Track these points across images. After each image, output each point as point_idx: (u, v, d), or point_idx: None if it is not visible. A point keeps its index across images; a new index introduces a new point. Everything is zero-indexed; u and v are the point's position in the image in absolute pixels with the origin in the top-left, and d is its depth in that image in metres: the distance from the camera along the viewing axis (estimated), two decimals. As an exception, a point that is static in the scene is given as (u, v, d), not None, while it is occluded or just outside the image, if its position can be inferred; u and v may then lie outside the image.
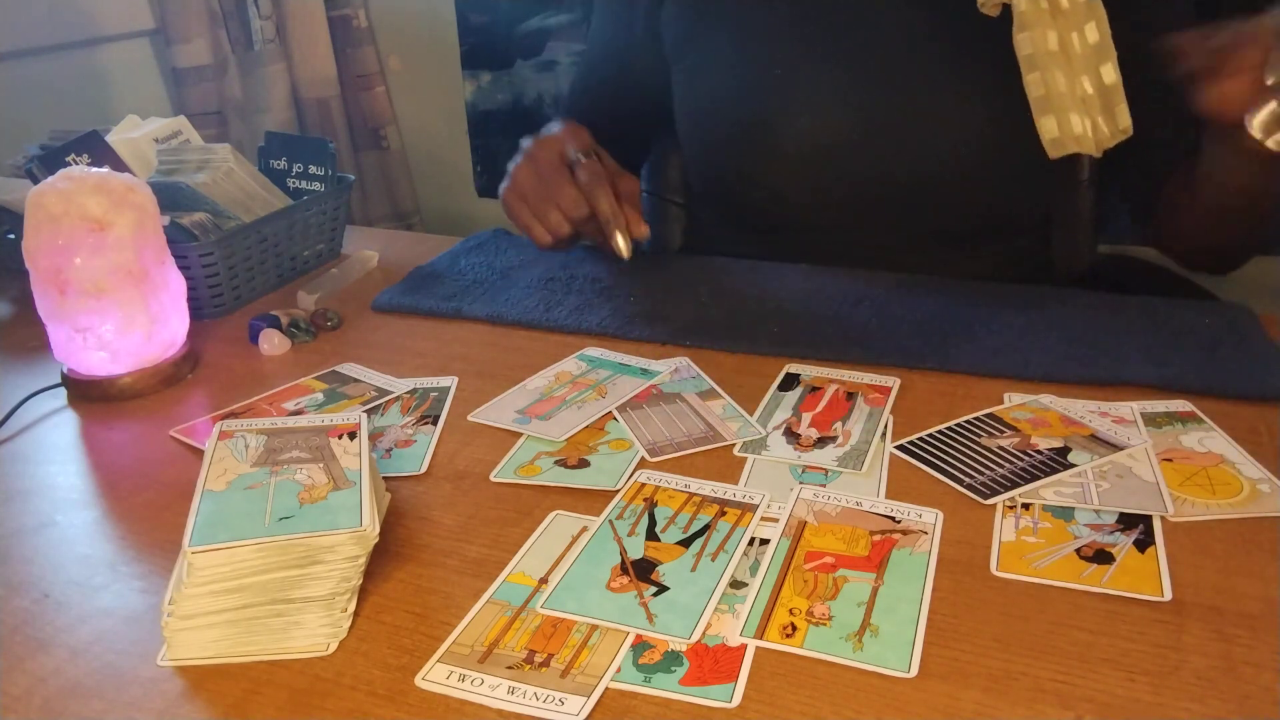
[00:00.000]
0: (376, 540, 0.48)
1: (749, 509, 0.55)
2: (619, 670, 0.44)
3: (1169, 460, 0.58)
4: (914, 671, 0.44)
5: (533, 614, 0.48)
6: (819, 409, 0.66)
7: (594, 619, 0.47)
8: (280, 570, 0.46)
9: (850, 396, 0.67)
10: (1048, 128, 0.81)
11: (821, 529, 0.53)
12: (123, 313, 0.71)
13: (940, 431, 0.63)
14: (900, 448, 0.61)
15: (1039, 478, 0.57)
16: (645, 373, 0.72)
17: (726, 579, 0.49)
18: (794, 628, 0.46)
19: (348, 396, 0.71)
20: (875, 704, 0.42)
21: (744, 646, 0.45)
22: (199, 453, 0.64)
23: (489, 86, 1.87)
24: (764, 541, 0.52)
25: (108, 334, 0.71)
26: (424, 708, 0.43)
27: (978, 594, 0.48)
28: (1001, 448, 0.60)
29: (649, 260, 0.94)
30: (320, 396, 0.71)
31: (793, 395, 0.68)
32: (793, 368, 0.72)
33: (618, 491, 0.58)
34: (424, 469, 0.62)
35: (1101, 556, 0.50)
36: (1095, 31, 0.79)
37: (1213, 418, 0.63)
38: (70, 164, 0.87)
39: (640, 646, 0.46)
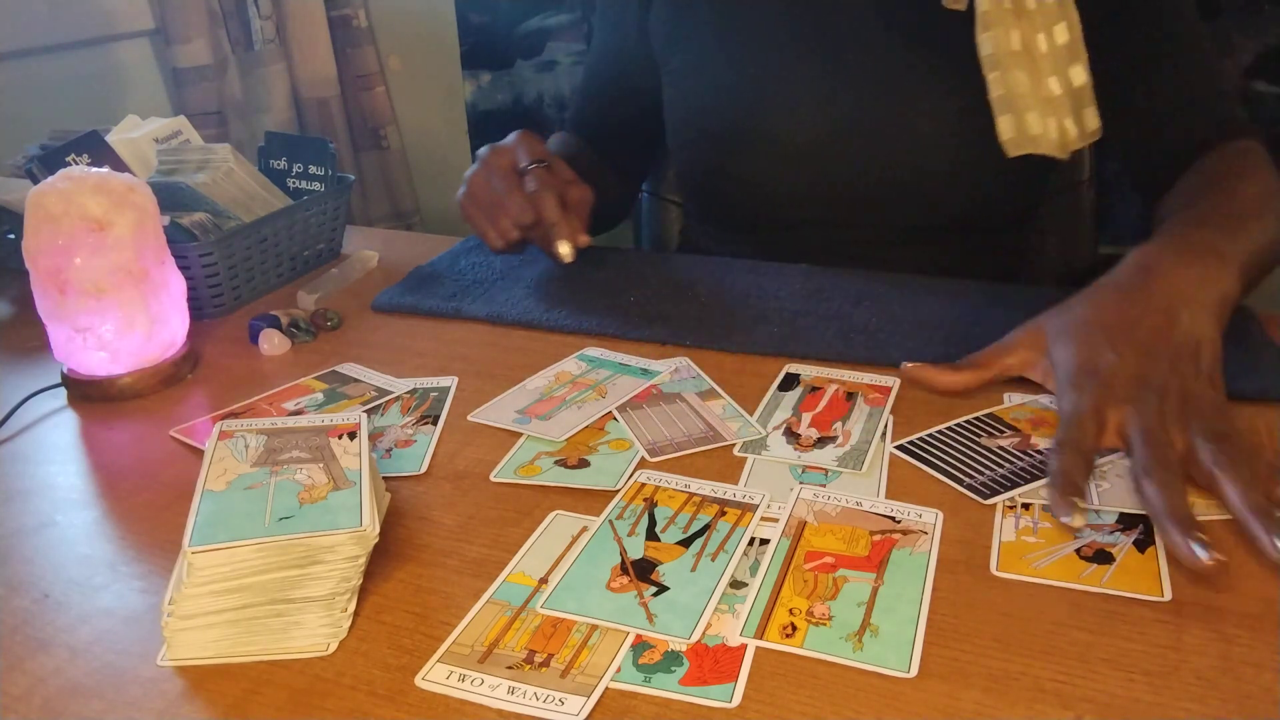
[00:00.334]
0: (376, 540, 0.48)
1: (749, 509, 0.55)
2: (619, 670, 0.44)
3: (1169, 460, 0.58)
4: (914, 671, 0.44)
5: (533, 614, 0.48)
6: (819, 409, 0.66)
7: (594, 619, 0.47)
8: (280, 570, 0.46)
9: (850, 396, 0.67)
10: (1004, 127, 0.81)
11: (821, 529, 0.53)
12: (123, 313, 0.71)
13: (940, 431, 0.63)
14: (900, 448, 0.61)
15: (1039, 478, 0.57)
16: (645, 373, 0.72)
17: (726, 579, 0.49)
18: (794, 628, 0.46)
19: (348, 396, 0.71)
20: (875, 704, 0.42)
21: (744, 646, 0.45)
22: (199, 453, 0.64)
23: (489, 86, 1.87)
24: (764, 541, 0.52)
25: (108, 334, 0.71)
26: (424, 708, 0.43)
27: (978, 594, 0.48)
28: (1001, 448, 0.60)
29: (649, 260, 0.94)
30: (320, 396, 0.71)
31: (793, 395, 0.68)
32: (793, 368, 0.72)
33: (618, 491, 0.58)
34: (424, 469, 0.62)
35: (1101, 556, 0.50)
36: (1065, 32, 0.79)
37: (1213, 418, 0.63)
38: (70, 164, 0.87)
39: (640, 646, 0.46)
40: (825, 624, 0.46)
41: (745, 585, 0.49)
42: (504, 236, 0.84)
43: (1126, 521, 0.53)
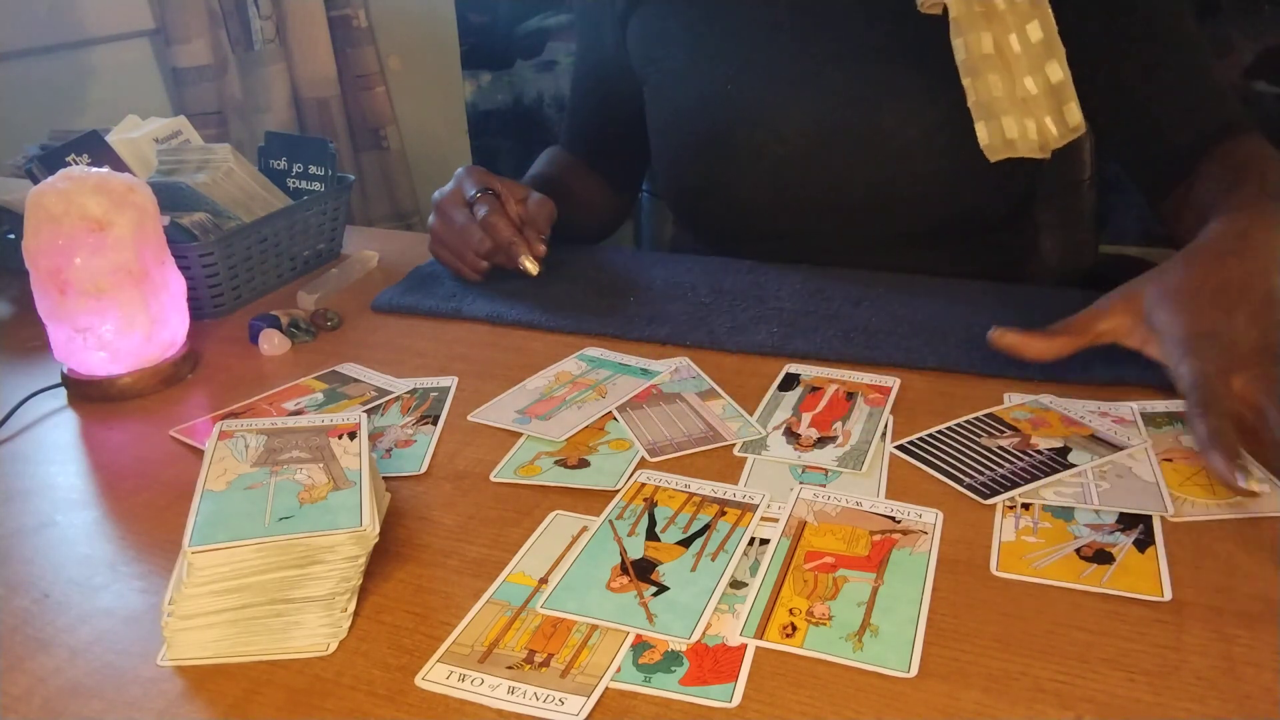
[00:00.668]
0: (376, 540, 0.48)
1: (749, 509, 0.55)
2: (619, 670, 0.44)
3: (1169, 460, 0.58)
4: (914, 671, 0.44)
5: (533, 614, 0.48)
6: (819, 409, 0.66)
7: (594, 619, 0.47)
8: (280, 570, 0.46)
9: (850, 396, 0.67)
10: (982, 133, 0.81)
11: (821, 529, 0.53)
12: (123, 313, 0.71)
13: (940, 431, 0.63)
14: (900, 448, 0.61)
15: (1039, 478, 0.57)
16: (645, 373, 0.72)
17: (726, 579, 0.49)
18: (794, 628, 0.46)
19: (348, 396, 0.71)
20: (875, 704, 0.42)
21: (744, 646, 0.45)
22: (199, 453, 0.64)
23: (489, 86, 1.87)
24: (764, 541, 0.52)
25: (108, 334, 0.71)
26: (424, 708, 0.43)
27: (978, 594, 0.48)
28: (1001, 448, 0.60)
29: (649, 260, 0.94)
30: (320, 396, 0.71)
31: (793, 395, 0.68)
32: (793, 368, 0.72)
33: (618, 491, 0.58)
34: (424, 469, 0.62)
35: (1101, 556, 0.50)
36: (1039, 30, 0.79)
37: (1213, 418, 0.63)
38: (70, 164, 0.87)
39: (640, 646, 0.46)
40: (825, 624, 0.46)
41: (745, 585, 0.49)
42: (475, 268, 0.87)
43: (1126, 521, 0.53)
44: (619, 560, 0.51)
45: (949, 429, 0.63)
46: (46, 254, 0.69)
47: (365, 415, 0.58)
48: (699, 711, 0.42)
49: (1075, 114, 0.81)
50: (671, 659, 0.45)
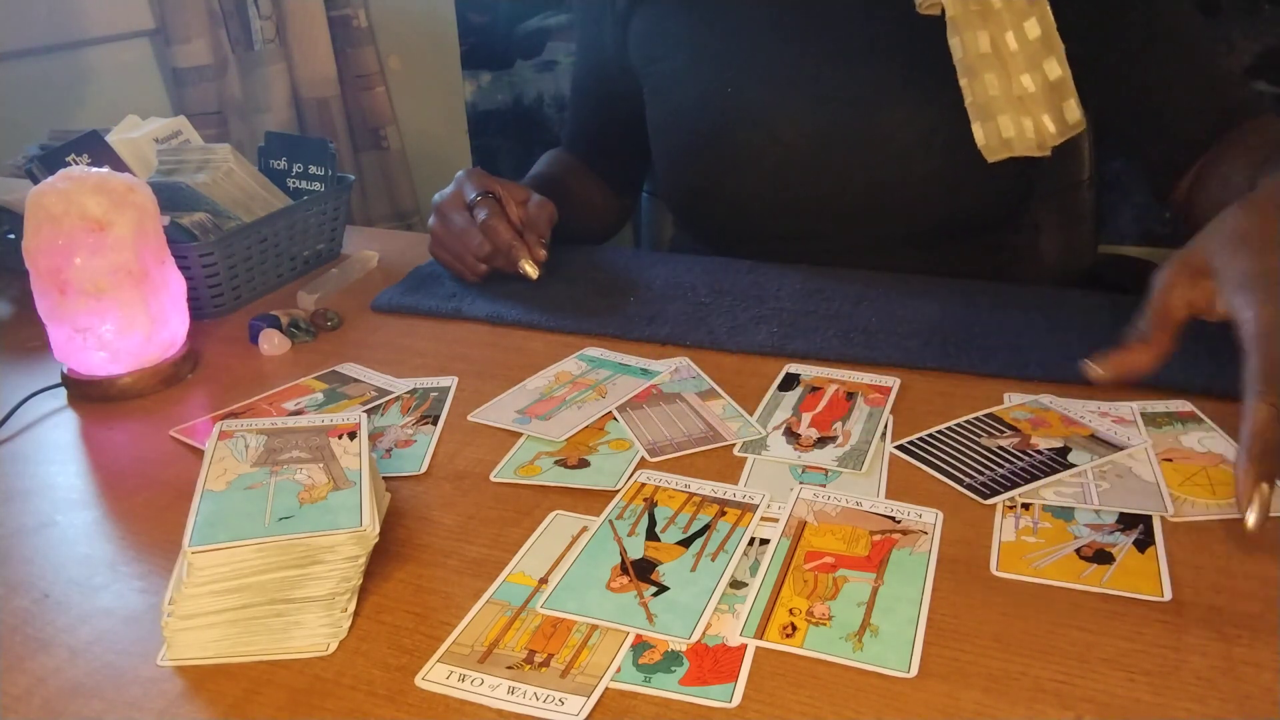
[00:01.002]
0: (376, 540, 0.48)
1: (749, 509, 0.55)
2: (619, 670, 0.44)
3: (1169, 460, 0.58)
4: (914, 671, 0.44)
5: (533, 614, 0.48)
6: (819, 409, 0.66)
7: (594, 619, 0.47)
8: (280, 570, 0.46)
9: (850, 396, 0.67)
10: (979, 133, 0.81)
11: (821, 529, 0.53)
12: (123, 313, 0.71)
13: (940, 431, 0.63)
14: (900, 447, 0.61)
15: (1039, 478, 0.57)
16: (645, 373, 0.72)
17: (726, 579, 0.49)
18: (794, 628, 0.46)
19: (348, 396, 0.71)
20: (875, 704, 0.42)
21: (744, 646, 0.45)
22: (199, 453, 0.64)
23: (489, 86, 1.87)
24: (764, 541, 0.52)
25: (108, 334, 0.71)
26: (424, 708, 0.43)
27: (978, 594, 0.48)
28: (1001, 448, 0.60)
29: (649, 260, 0.94)
30: (320, 396, 0.71)
31: (793, 395, 0.68)
32: (793, 368, 0.72)
33: (618, 491, 0.58)
34: (424, 469, 0.62)
35: (1101, 556, 0.50)
36: (1037, 27, 0.79)
37: (1212, 418, 0.63)
38: (70, 164, 0.87)
39: (640, 646, 0.46)
40: (825, 624, 0.46)
41: (745, 585, 0.49)
42: (474, 271, 0.87)
43: (1126, 521, 0.53)
44: (619, 560, 0.51)
45: (949, 429, 0.63)
46: (46, 254, 0.69)
47: (365, 415, 0.58)
48: (699, 711, 0.42)
49: (1074, 111, 0.81)
50: (671, 659, 0.45)
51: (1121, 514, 0.54)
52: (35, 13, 1.42)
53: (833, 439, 0.62)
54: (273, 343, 0.80)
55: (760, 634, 0.46)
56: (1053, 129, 0.81)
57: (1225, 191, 0.72)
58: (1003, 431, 0.62)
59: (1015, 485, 0.56)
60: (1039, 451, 0.60)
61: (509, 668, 0.45)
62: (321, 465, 0.52)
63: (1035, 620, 0.46)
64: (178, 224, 0.85)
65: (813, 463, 0.60)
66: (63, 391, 0.75)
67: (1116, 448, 0.59)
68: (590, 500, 0.57)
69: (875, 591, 0.48)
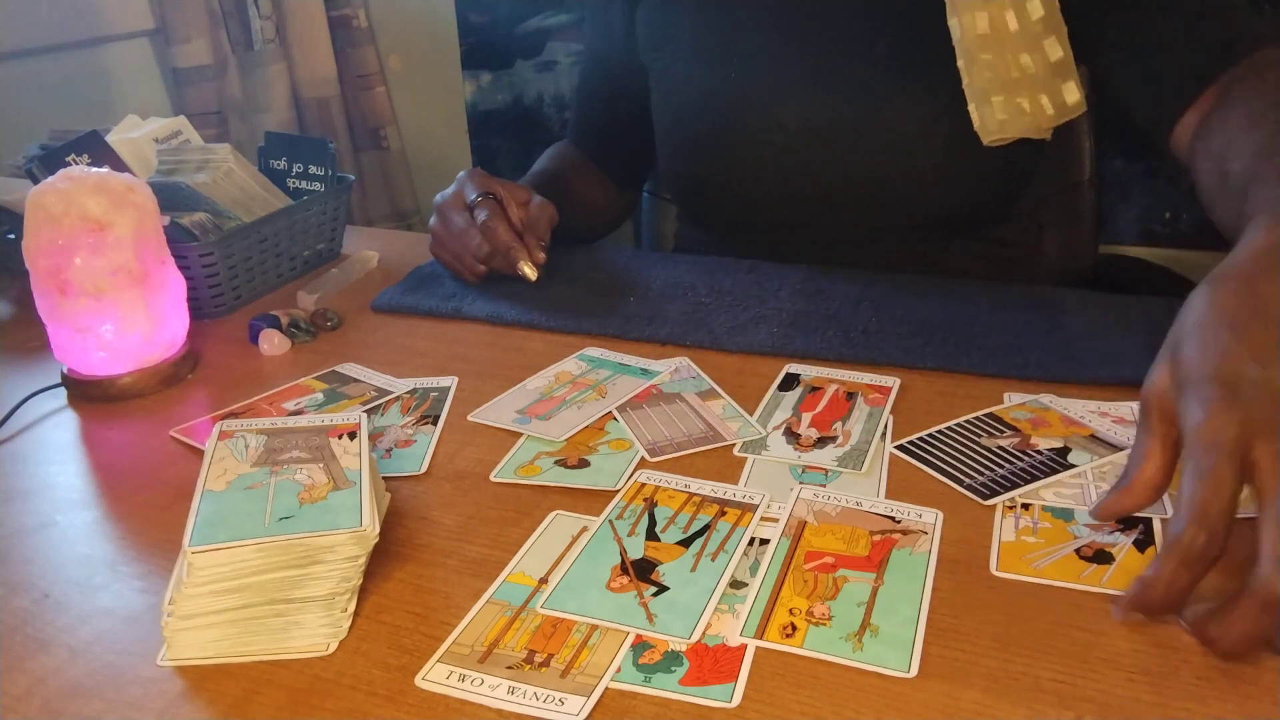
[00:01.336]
0: (376, 540, 0.48)
1: (749, 509, 0.55)
2: (619, 670, 0.44)
3: (1169, 460, 0.58)
4: (914, 671, 0.44)
5: (533, 614, 0.48)
6: (819, 409, 0.66)
7: (594, 619, 0.47)
8: (280, 570, 0.46)
9: (850, 396, 0.67)
10: (974, 117, 0.81)
11: (821, 529, 0.53)
12: (123, 313, 0.71)
13: (940, 431, 0.63)
14: (900, 448, 0.61)
15: (1039, 478, 0.57)
16: (645, 373, 0.72)
17: (726, 579, 0.49)
18: (794, 628, 0.46)
19: (348, 396, 0.71)
20: (875, 704, 0.42)
21: (744, 646, 0.45)
22: (199, 453, 0.64)
23: (489, 86, 1.87)
24: (764, 541, 0.52)
25: (108, 334, 0.71)
26: (424, 708, 0.43)
27: (978, 594, 0.48)
28: (1001, 448, 0.60)
29: (649, 260, 0.94)
30: (320, 396, 0.71)
31: (793, 395, 0.68)
32: (793, 368, 0.72)
33: (618, 491, 0.58)
34: (424, 469, 0.62)
35: (1101, 557, 0.50)
36: (1040, 7, 0.78)
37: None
38: (70, 164, 0.87)
39: (640, 646, 0.46)
40: (825, 624, 0.46)
41: (745, 585, 0.49)
42: (473, 271, 0.87)
43: (1126, 522, 0.53)
44: (619, 560, 0.51)
45: (949, 429, 0.63)
46: (46, 254, 0.69)
47: (365, 415, 0.58)
48: (699, 711, 0.42)
49: (1074, 92, 0.80)
50: (671, 659, 0.45)
51: (1121, 514, 0.53)
52: (35, 13, 1.42)
53: (833, 439, 0.62)
54: (273, 343, 0.80)
55: (760, 634, 0.46)
56: (1050, 110, 0.80)
57: (1228, 155, 0.64)
58: (1003, 431, 0.62)
59: (1015, 485, 0.56)
60: (1039, 452, 0.60)
61: (509, 668, 0.45)
62: (321, 465, 0.52)
63: (1035, 620, 0.46)
64: (178, 224, 0.85)
65: (813, 463, 0.60)
66: (63, 391, 0.75)
67: (1116, 448, 0.59)
68: (590, 500, 0.57)
69: (875, 591, 0.48)
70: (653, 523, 0.54)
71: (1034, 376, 0.68)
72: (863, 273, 0.87)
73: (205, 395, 0.74)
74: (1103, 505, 0.49)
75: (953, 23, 0.80)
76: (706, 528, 0.54)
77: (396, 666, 0.45)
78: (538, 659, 0.45)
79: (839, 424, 0.64)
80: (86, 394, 0.74)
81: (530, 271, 0.83)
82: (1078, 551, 0.51)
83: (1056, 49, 0.79)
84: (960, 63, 0.80)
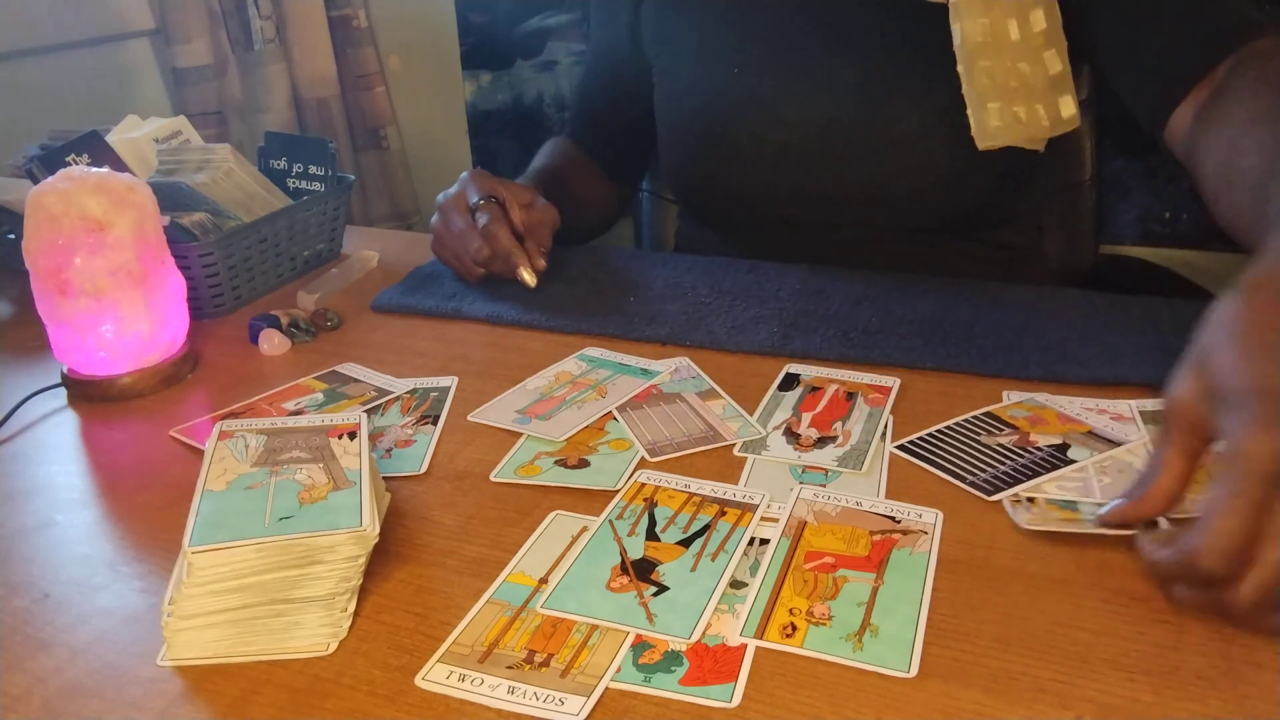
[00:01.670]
0: (376, 540, 0.48)
1: (749, 509, 0.55)
2: (619, 670, 0.44)
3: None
4: (914, 671, 0.44)
5: (533, 614, 0.48)
6: (819, 409, 0.66)
7: (594, 619, 0.47)
8: (280, 570, 0.46)
9: (850, 396, 0.67)
10: (972, 121, 0.81)
11: (821, 529, 0.53)
12: (123, 313, 0.71)
13: (940, 430, 0.63)
14: (901, 447, 0.61)
15: (1040, 474, 0.57)
16: (645, 373, 0.72)
17: (726, 579, 0.49)
18: (794, 628, 0.46)
19: (348, 396, 0.71)
20: (875, 704, 0.42)
21: (744, 646, 0.45)
22: (199, 453, 0.64)
23: (489, 86, 1.87)
24: (764, 541, 0.52)
25: (108, 334, 0.71)
26: (424, 708, 0.43)
27: (978, 594, 0.48)
28: (1002, 445, 0.60)
29: (649, 260, 0.94)
30: (320, 396, 0.71)
31: (793, 395, 0.68)
32: (793, 368, 0.72)
33: (618, 491, 0.58)
34: (424, 469, 0.62)
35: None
36: (1043, 19, 0.79)
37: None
38: (70, 164, 0.87)
39: (640, 646, 0.46)
40: (825, 624, 0.46)
41: (745, 585, 0.49)
42: (471, 274, 0.87)
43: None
44: (619, 560, 0.51)
45: (948, 428, 0.63)
46: (46, 254, 0.69)
47: (365, 415, 0.58)
48: (699, 711, 0.42)
49: (1070, 106, 0.81)
50: (671, 659, 0.45)
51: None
52: (35, 13, 1.42)
53: (833, 439, 0.62)
54: (273, 343, 0.80)
55: (760, 634, 0.46)
56: (1045, 122, 0.81)
57: (1235, 150, 0.63)
58: (1002, 429, 0.62)
59: (1017, 481, 0.56)
60: (1039, 449, 0.60)
61: (509, 668, 0.45)
62: (321, 465, 0.52)
63: (1035, 620, 0.46)
64: (178, 224, 0.85)
65: (813, 463, 0.60)
66: (63, 391, 0.75)
67: (1115, 444, 0.59)
68: (590, 500, 0.57)
69: (875, 591, 0.48)
70: (653, 523, 0.54)
71: (1034, 376, 0.68)
72: (863, 273, 0.87)
73: (205, 395, 0.74)
74: (1114, 511, 0.49)
75: (955, 28, 0.80)
76: (706, 528, 0.54)
77: (396, 666, 0.45)
78: (538, 659, 0.45)
79: (839, 424, 0.64)
80: (86, 394, 0.74)
81: (530, 278, 0.84)
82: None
83: (1056, 62, 0.79)
84: (960, 67, 0.81)
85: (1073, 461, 0.58)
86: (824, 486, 0.57)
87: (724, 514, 0.55)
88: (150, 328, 0.73)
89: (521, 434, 0.65)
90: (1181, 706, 0.41)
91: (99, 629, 0.49)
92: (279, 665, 0.46)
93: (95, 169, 0.72)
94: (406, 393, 0.71)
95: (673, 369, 0.72)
